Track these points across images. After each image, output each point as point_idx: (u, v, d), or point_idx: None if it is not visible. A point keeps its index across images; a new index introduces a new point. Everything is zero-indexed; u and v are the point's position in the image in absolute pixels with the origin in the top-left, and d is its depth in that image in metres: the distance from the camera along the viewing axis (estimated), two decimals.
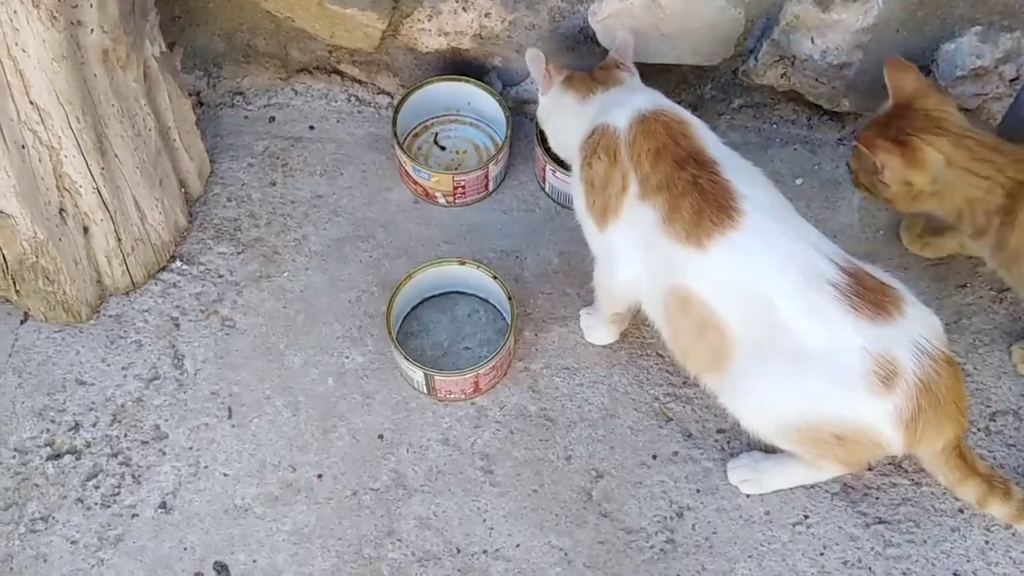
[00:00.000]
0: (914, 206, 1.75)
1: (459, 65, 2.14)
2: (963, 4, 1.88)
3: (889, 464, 1.82)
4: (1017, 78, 1.95)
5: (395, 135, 2.07)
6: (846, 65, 1.98)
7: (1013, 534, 1.75)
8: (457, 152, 2.17)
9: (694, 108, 2.09)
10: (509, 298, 1.90)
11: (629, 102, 1.67)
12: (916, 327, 1.52)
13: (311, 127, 2.22)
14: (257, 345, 1.97)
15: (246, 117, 2.23)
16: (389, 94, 2.23)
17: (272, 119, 2.23)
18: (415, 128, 2.18)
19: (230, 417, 1.90)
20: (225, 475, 1.84)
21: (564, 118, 1.80)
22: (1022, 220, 1.67)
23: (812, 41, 1.95)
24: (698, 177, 1.57)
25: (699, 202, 1.55)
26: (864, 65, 1.97)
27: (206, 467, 1.84)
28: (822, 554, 1.76)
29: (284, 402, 1.91)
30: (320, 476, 1.84)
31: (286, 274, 2.04)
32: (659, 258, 1.61)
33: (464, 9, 2.00)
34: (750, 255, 1.54)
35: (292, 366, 1.95)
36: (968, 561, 1.75)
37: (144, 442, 1.87)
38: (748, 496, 1.81)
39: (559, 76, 1.82)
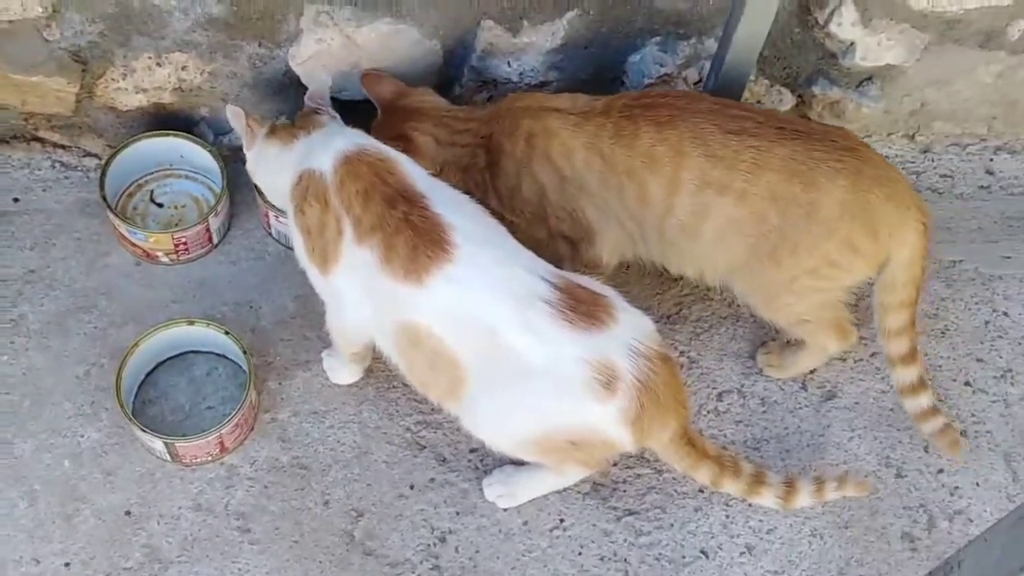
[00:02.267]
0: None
1: (166, 119, 2.09)
2: (640, 18, 2.00)
3: (632, 457, 1.91)
4: (700, 80, 2.09)
5: (104, 198, 2.00)
6: (545, 84, 2.07)
7: (750, 506, 1.88)
8: (176, 207, 2.11)
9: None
10: (244, 352, 1.87)
11: (331, 145, 1.67)
12: (628, 331, 1.61)
13: (15, 199, 2.11)
14: None
15: None
16: (96, 156, 2.14)
17: None
18: (128, 188, 2.11)
19: None
20: None
21: (271, 169, 1.79)
22: (503, 164, 1.86)
23: (508, 64, 2.03)
24: (408, 214, 1.59)
25: (413, 238, 1.58)
26: (561, 83, 2.07)
27: None
28: (580, 554, 1.84)
29: (18, 493, 1.81)
30: (67, 564, 1.76)
31: (5, 358, 1.93)
32: (384, 297, 1.63)
33: (159, 64, 1.96)
34: (467, 285, 1.58)
35: (23, 454, 1.85)
36: (712, 537, 1.87)
37: None
38: (506, 510, 1.87)
39: (262, 129, 1.80)
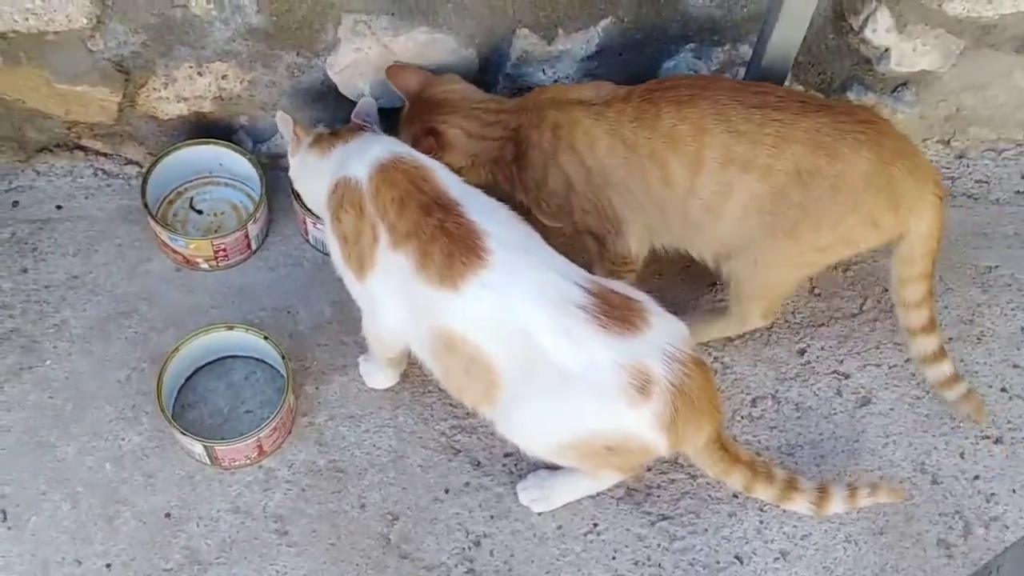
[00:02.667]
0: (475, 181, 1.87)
1: (205, 127, 2.12)
2: (675, 25, 2.01)
3: (666, 462, 1.92)
4: None
5: (146, 206, 2.03)
6: None
7: (784, 511, 1.88)
8: (215, 214, 2.15)
9: None
10: (283, 357, 1.90)
11: (367, 153, 1.70)
12: (662, 335, 1.62)
13: (58, 207, 2.15)
14: (25, 441, 1.89)
15: None
16: (137, 164, 2.18)
17: (16, 203, 2.15)
18: (168, 195, 2.15)
19: (5, 520, 1.82)
20: None
21: (310, 176, 1.82)
22: (530, 156, 1.85)
23: (543, 72, 2.05)
24: (444, 221, 1.61)
25: (448, 245, 1.60)
26: None
27: None
28: (614, 558, 1.85)
29: (61, 495, 1.85)
30: (108, 565, 1.79)
31: (48, 362, 1.97)
32: (419, 303, 1.65)
33: (200, 74, 1.99)
34: (502, 291, 1.60)
35: (65, 457, 1.88)
36: (747, 543, 1.87)
37: None
38: (540, 514, 1.88)
39: (307, 137, 1.83)
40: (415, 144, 1.81)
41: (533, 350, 1.59)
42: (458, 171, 1.77)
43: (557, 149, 1.84)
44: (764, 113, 1.74)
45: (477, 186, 1.73)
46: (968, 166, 2.32)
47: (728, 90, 1.78)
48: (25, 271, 2.06)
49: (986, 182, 2.31)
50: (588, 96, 1.85)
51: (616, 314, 1.60)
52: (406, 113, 1.95)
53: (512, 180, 1.92)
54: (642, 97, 1.80)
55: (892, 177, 1.75)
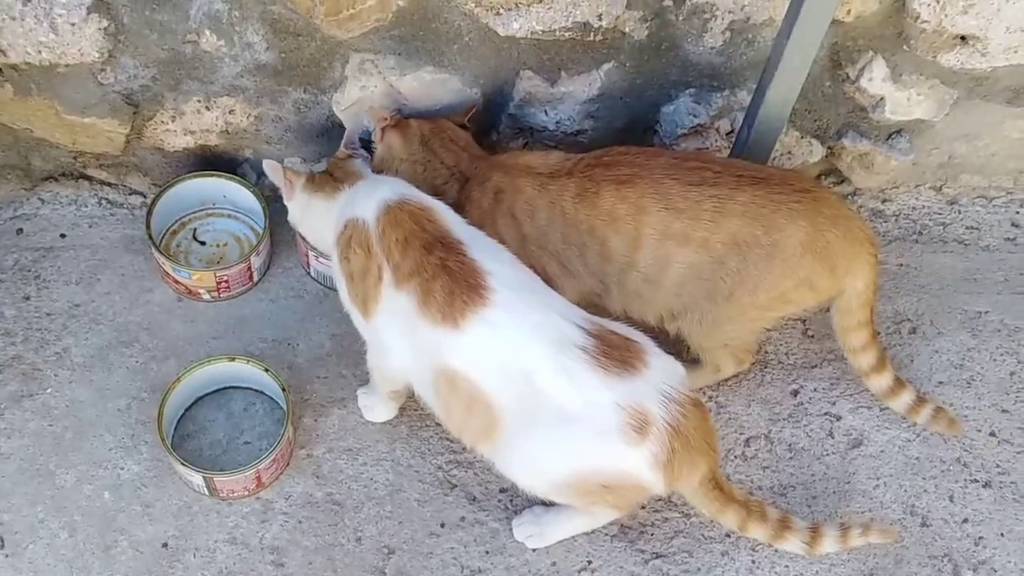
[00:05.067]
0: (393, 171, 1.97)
1: (211, 160, 2.15)
2: (675, 71, 2.05)
3: (660, 501, 1.94)
4: (732, 131, 2.14)
5: (150, 236, 2.05)
6: (580, 132, 2.12)
7: (776, 551, 1.89)
8: (218, 245, 2.17)
9: None
10: (283, 389, 1.91)
11: (375, 194, 1.73)
12: (660, 377, 1.64)
13: (62, 235, 2.17)
14: (25, 468, 1.90)
15: None
16: (142, 194, 2.21)
17: (20, 231, 2.17)
18: (172, 226, 2.17)
19: (3, 547, 1.83)
20: None
21: (316, 217, 1.85)
22: (468, 210, 1.88)
23: (546, 113, 2.08)
24: (446, 260, 1.64)
25: (450, 284, 1.63)
26: (596, 132, 2.12)
27: None
28: None
29: (60, 524, 1.85)
30: None
31: (49, 390, 1.98)
32: (422, 341, 1.68)
33: (207, 108, 2.02)
34: (503, 330, 1.62)
35: (64, 485, 1.89)
36: None
37: None
38: (535, 551, 1.89)
39: (299, 180, 1.86)
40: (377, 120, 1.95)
41: (533, 389, 1.62)
42: (396, 164, 1.92)
43: (496, 212, 1.89)
44: (701, 190, 1.80)
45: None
46: (959, 212, 2.36)
47: (666, 167, 1.83)
48: (28, 298, 2.08)
49: (977, 228, 2.35)
50: (535, 164, 1.90)
51: (615, 355, 1.62)
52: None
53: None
54: (583, 174, 1.85)
55: (828, 243, 1.82)
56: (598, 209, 1.82)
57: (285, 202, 1.89)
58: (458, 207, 1.88)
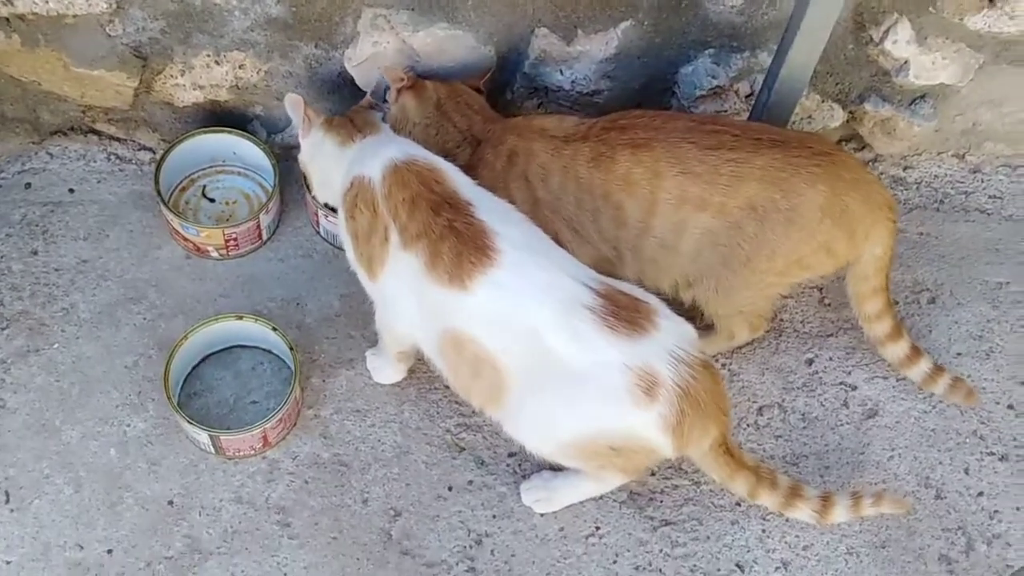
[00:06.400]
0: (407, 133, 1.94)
1: (220, 116, 2.13)
2: (694, 30, 2.00)
3: (670, 467, 1.92)
4: (752, 94, 2.09)
5: (158, 192, 2.03)
6: (596, 92, 2.08)
7: (787, 520, 1.87)
8: (227, 203, 2.15)
9: None
10: (291, 349, 1.89)
11: (382, 153, 1.70)
12: (670, 338, 1.62)
13: (71, 190, 2.15)
14: (31, 423, 1.89)
15: (0, 186, 2.14)
16: (151, 150, 2.18)
17: (28, 185, 2.15)
18: (181, 182, 2.14)
19: (8, 501, 1.82)
20: (7, 563, 1.77)
21: (326, 163, 1.82)
22: (481, 173, 1.83)
23: (561, 73, 2.04)
24: (453, 221, 1.61)
25: (457, 245, 1.60)
26: (612, 92, 2.08)
27: None
28: (615, 562, 1.84)
29: (65, 479, 1.85)
30: (110, 551, 1.79)
31: (56, 346, 1.97)
32: (429, 303, 1.65)
33: (217, 63, 1.99)
34: (511, 290, 1.60)
35: (70, 441, 1.88)
36: (748, 551, 1.87)
37: None
38: (542, 515, 1.87)
39: (318, 119, 1.83)
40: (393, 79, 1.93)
41: (541, 349, 1.59)
42: (409, 127, 1.91)
43: (509, 175, 1.86)
44: (719, 154, 1.76)
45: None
46: (982, 181, 2.32)
47: (683, 131, 1.79)
48: (35, 253, 2.06)
49: (1000, 198, 2.30)
50: (550, 128, 1.87)
51: (624, 316, 1.59)
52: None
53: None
54: (598, 138, 1.81)
55: (847, 207, 1.78)
56: (613, 174, 1.79)
57: (300, 140, 1.86)
58: (470, 170, 1.84)
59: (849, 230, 1.80)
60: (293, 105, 1.83)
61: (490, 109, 1.99)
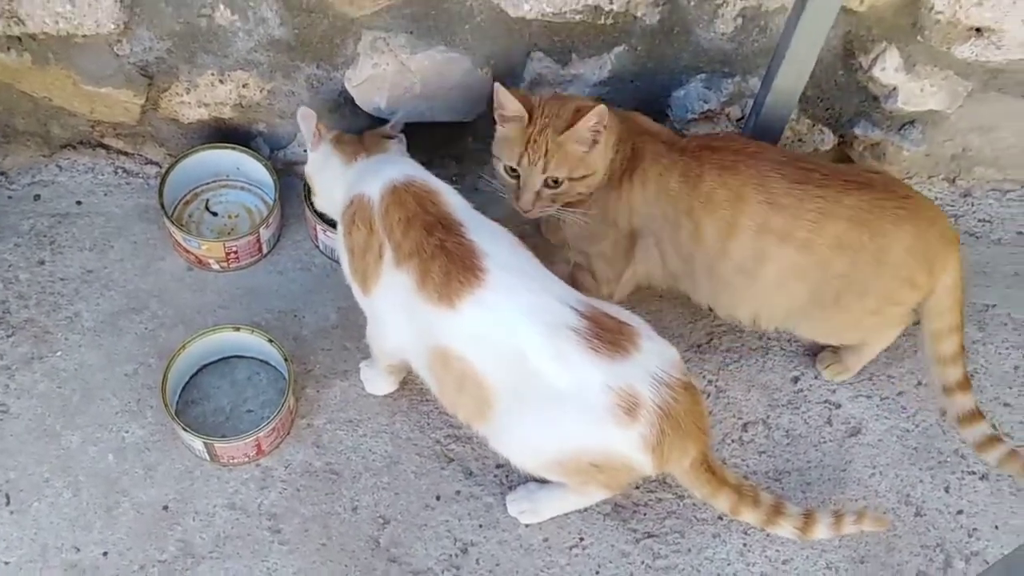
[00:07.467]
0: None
1: (225, 132, 2.18)
2: (686, 56, 2.05)
3: (654, 481, 1.96)
4: (743, 118, 2.14)
5: (162, 205, 2.09)
6: None
7: (767, 535, 1.91)
8: (230, 216, 2.20)
9: (459, 160, 2.21)
10: (286, 359, 1.95)
11: (383, 173, 1.76)
12: (652, 360, 1.66)
13: (78, 202, 2.21)
14: (32, 428, 1.95)
15: (10, 197, 2.20)
16: (157, 164, 2.24)
17: (37, 197, 2.21)
18: (185, 196, 2.20)
19: (8, 504, 1.88)
20: (6, 563, 1.82)
21: (330, 176, 1.88)
22: (634, 183, 1.87)
23: None
24: (444, 241, 1.66)
25: (447, 264, 1.65)
26: None
27: None
28: (597, 573, 1.88)
29: (64, 483, 1.90)
30: (105, 554, 1.84)
31: (59, 353, 2.03)
32: (419, 320, 1.70)
33: (221, 81, 2.05)
34: (497, 311, 1.64)
35: (70, 446, 1.94)
36: (729, 564, 1.90)
37: None
38: (527, 526, 1.92)
39: (329, 134, 1.90)
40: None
41: (525, 369, 1.64)
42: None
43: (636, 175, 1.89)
44: (806, 190, 1.80)
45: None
46: (972, 205, 2.35)
47: (773, 162, 1.83)
48: (42, 263, 2.12)
49: (989, 221, 2.34)
50: (661, 133, 1.93)
51: (608, 337, 1.64)
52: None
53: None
54: (692, 154, 1.86)
55: (928, 243, 1.83)
56: (698, 191, 1.83)
57: (309, 152, 1.92)
58: (629, 172, 1.88)
59: (928, 264, 1.84)
60: (305, 118, 1.89)
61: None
